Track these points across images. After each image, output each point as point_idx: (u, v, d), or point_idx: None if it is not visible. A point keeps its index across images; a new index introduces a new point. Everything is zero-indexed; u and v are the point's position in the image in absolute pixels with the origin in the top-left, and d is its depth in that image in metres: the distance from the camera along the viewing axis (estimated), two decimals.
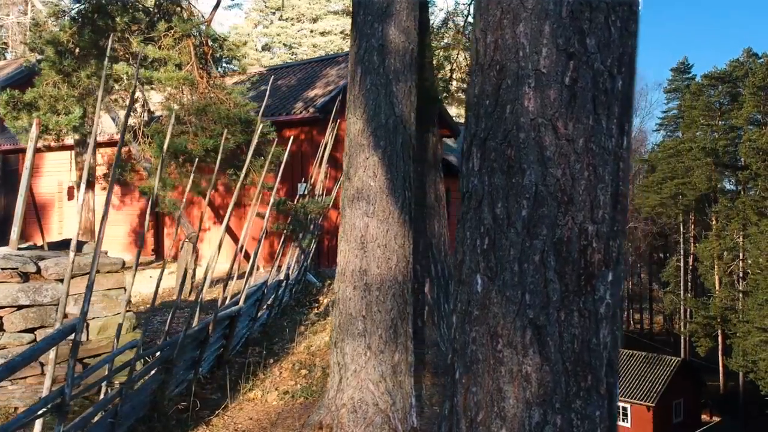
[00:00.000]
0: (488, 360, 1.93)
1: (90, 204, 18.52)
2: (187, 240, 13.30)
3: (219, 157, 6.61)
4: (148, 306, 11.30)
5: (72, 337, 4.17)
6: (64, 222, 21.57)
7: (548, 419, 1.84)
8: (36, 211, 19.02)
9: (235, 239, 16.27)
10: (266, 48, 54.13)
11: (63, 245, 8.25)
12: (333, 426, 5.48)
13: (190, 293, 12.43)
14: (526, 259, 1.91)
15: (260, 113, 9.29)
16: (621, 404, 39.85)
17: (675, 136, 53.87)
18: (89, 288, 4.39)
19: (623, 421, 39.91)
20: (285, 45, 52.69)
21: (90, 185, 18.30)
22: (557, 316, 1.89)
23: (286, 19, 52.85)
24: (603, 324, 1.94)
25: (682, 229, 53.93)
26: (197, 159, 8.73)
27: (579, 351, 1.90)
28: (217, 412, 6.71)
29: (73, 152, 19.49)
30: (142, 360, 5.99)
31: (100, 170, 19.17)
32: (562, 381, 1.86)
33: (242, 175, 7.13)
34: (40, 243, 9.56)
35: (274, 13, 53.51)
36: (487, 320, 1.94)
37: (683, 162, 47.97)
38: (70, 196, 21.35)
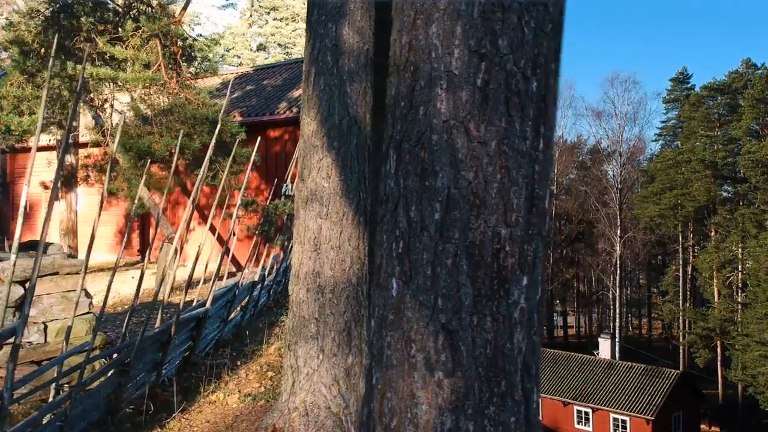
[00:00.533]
0: (402, 365, 1.91)
1: (72, 205, 18.44)
2: (166, 241, 13.21)
3: (175, 158, 6.52)
4: (126, 307, 11.16)
5: (12, 340, 4.04)
6: (50, 222, 21.44)
7: (461, 425, 1.83)
8: (12, 212, 18.89)
9: (222, 240, 16.19)
10: (261, 48, 54.19)
11: (31, 246, 8.14)
12: (285, 429, 5.38)
13: (169, 294, 12.33)
14: (439, 263, 1.90)
15: (221, 110, 9.18)
16: (620, 417, 39.58)
17: (674, 146, 53.79)
18: (30, 290, 4.26)
19: None
20: (280, 45, 52.78)
21: (73, 186, 18.21)
22: (470, 320, 1.87)
23: (281, 19, 52.95)
24: (517, 329, 1.91)
25: (681, 240, 53.74)
26: (161, 159, 8.63)
27: (492, 356, 1.88)
28: (174, 414, 6.61)
29: (56, 152, 19.45)
30: (101, 362, 5.84)
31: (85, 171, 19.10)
32: (475, 387, 1.85)
33: (202, 175, 7.02)
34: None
35: (268, 13, 53.61)
36: (402, 325, 1.92)
37: (682, 173, 47.85)
38: (57, 197, 21.31)
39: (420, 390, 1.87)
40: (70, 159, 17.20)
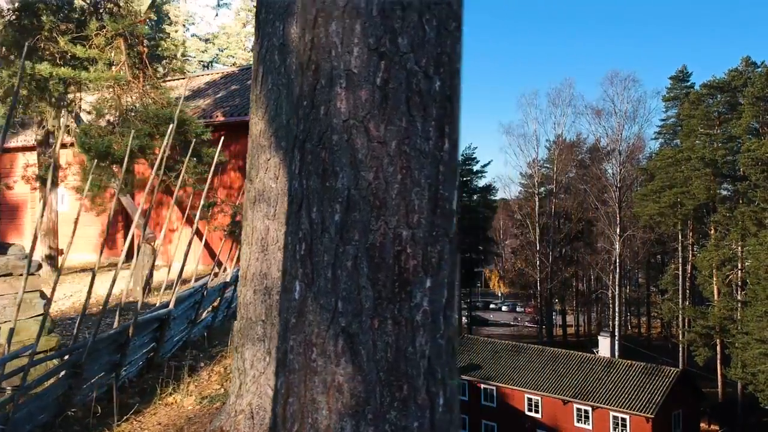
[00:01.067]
0: (304, 370, 1.89)
1: (52, 204, 18.25)
2: (144, 241, 13.08)
3: (126, 159, 6.34)
4: (101, 308, 10.97)
5: None
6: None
7: (361, 431, 1.80)
8: None
9: (207, 242, 16.00)
10: None
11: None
12: None
13: (147, 295, 12.17)
14: (339, 266, 1.87)
15: (178, 108, 9.00)
16: (620, 415, 39.37)
17: (673, 145, 53.54)
18: None
19: (622, 431, 39.41)
20: None
21: (54, 185, 18.05)
22: (370, 324, 1.85)
23: None
24: (420, 332, 1.88)
25: (680, 238, 53.52)
26: (120, 160, 8.46)
27: (393, 360, 1.84)
28: (126, 417, 6.46)
29: (36, 152, 19.26)
30: (55, 363, 5.67)
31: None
32: (376, 391, 1.82)
33: (153, 175, 6.85)
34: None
35: None
36: (303, 328, 1.91)
37: (682, 171, 47.62)
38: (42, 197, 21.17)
39: (320, 395, 1.84)
40: (50, 159, 17.04)
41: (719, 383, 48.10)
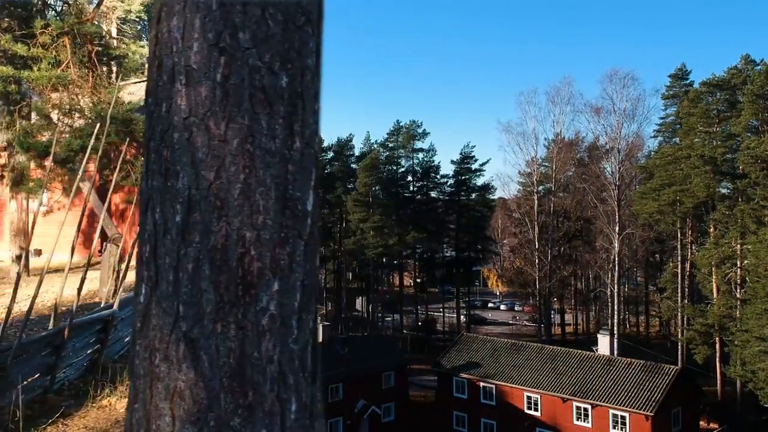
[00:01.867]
0: (149, 375, 1.83)
1: (23, 205, 18.03)
2: (110, 242, 12.94)
3: (51, 156, 6.22)
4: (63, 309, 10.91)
5: None
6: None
7: None
8: None
9: None
10: None
11: None
12: None
13: (113, 295, 12.07)
14: (180, 268, 1.81)
15: (110, 105, 8.85)
16: (619, 413, 39.44)
17: (672, 143, 53.59)
18: None
19: (621, 429, 39.49)
20: None
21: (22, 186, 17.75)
22: (212, 328, 1.78)
23: None
24: (266, 336, 1.82)
25: (679, 236, 53.62)
26: (60, 160, 8.34)
27: (237, 366, 1.78)
28: (52, 420, 6.23)
29: (5, 154, 18.90)
30: None
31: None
32: (220, 397, 1.76)
33: (79, 172, 6.77)
34: None
35: None
36: (148, 333, 1.85)
37: (681, 169, 47.68)
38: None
39: (163, 401, 1.79)
40: (20, 158, 16.76)
41: (718, 381, 48.21)
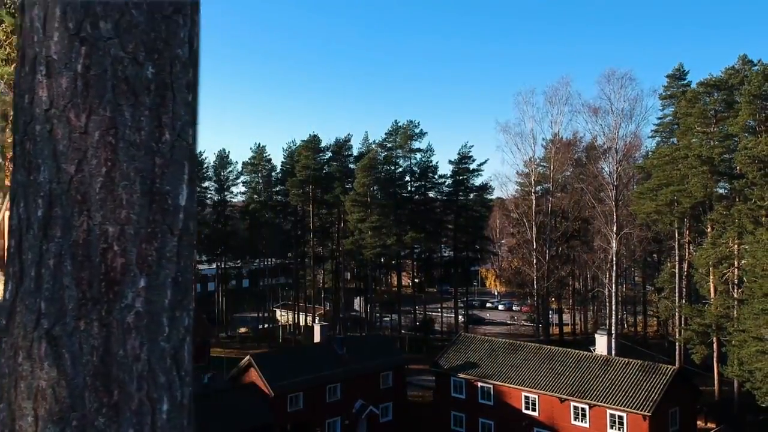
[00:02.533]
0: (13, 374, 1.80)
1: None
2: None
3: None
4: None
5: None
6: None
7: None
8: None
9: None
10: None
11: None
12: None
13: None
14: (43, 264, 1.76)
15: None
16: (617, 413, 39.49)
17: (670, 143, 53.60)
18: None
19: (619, 429, 39.53)
20: None
21: None
22: (75, 325, 1.74)
23: None
24: (132, 334, 1.77)
25: (677, 236, 53.67)
26: None
27: (101, 364, 1.74)
28: None
29: None
30: None
31: None
32: (84, 396, 1.73)
33: None
34: None
35: None
36: (12, 331, 1.81)
37: (679, 169, 47.71)
38: None
39: (26, 401, 1.75)
40: None
41: (716, 381, 48.27)
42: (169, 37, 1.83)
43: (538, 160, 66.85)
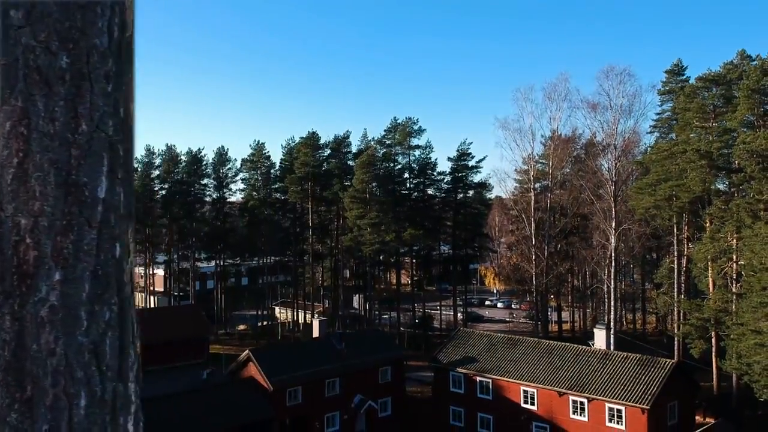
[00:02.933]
0: None
1: None
2: None
3: None
4: None
5: None
6: None
7: None
8: None
9: None
10: None
11: None
12: None
13: None
14: None
15: None
16: (615, 406, 39.50)
17: (669, 138, 53.63)
18: None
19: (618, 423, 39.53)
20: None
21: None
22: None
23: None
24: (47, 328, 1.74)
25: (675, 232, 53.71)
26: None
27: (13, 358, 1.72)
28: None
29: None
30: None
31: None
32: None
33: None
34: None
35: None
36: None
37: (677, 164, 47.76)
38: None
39: None
40: None
41: (714, 376, 48.32)
42: (85, 26, 1.78)
43: (537, 157, 66.94)
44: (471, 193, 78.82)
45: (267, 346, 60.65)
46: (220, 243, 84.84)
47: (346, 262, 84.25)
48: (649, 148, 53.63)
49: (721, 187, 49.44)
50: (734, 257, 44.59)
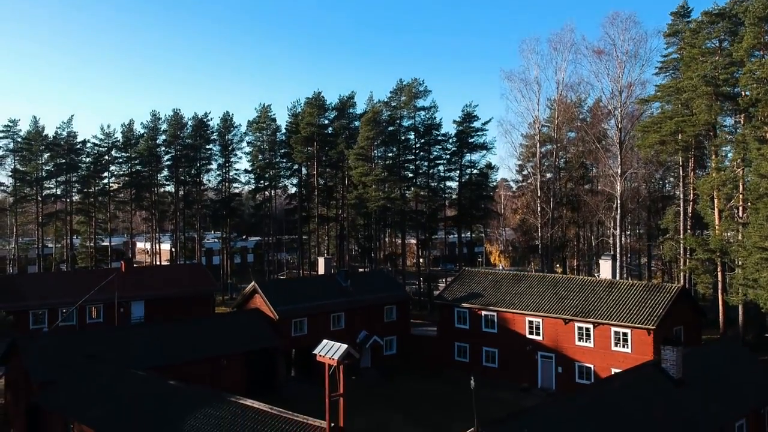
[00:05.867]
0: None
1: None
2: None
3: None
4: None
5: None
6: None
7: None
8: None
9: None
10: None
11: None
12: None
13: None
14: None
15: None
16: (621, 330, 39.40)
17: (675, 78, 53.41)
18: None
19: (623, 346, 39.41)
20: None
21: None
22: None
23: None
24: None
25: (681, 173, 53.58)
26: None
27: None
28: None
29: None
30: None
31: None
32: None
33: None
34: None
35: None
36: None
37: (682, 100, 47.68)
38: None
39: None
40: None
41: (720, 311, 48.13)
42: None
43: (542, 120, 66.54)
44: (476, 155, 78.15)
45: (272, 279, 60.15)
46: (226, 215, 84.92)
47: (351, 232, 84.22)
48: (656, 87, 53.35)
49: (727, 120, 49.37)
50: (740, 187, 44.44)
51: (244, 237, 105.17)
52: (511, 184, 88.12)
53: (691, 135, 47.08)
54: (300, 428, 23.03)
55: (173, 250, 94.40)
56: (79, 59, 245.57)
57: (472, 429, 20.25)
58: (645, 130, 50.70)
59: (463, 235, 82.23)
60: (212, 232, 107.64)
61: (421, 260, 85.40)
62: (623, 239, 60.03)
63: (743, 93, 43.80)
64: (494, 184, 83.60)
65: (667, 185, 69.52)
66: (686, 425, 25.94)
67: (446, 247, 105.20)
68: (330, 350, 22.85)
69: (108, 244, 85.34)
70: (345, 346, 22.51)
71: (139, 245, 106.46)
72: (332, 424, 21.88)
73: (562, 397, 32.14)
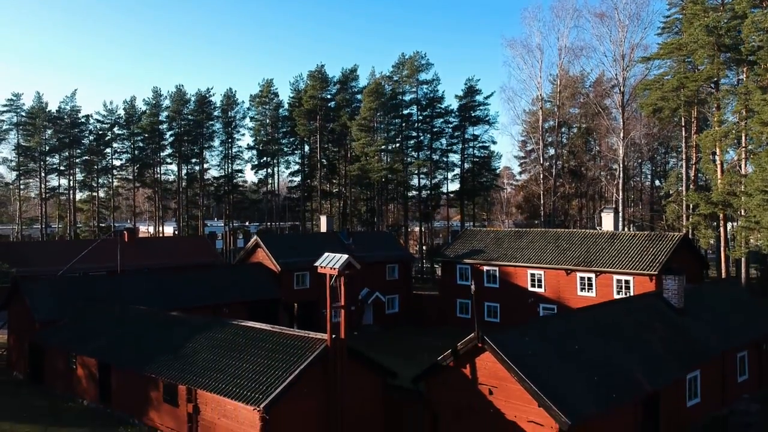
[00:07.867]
0: None
1: None
2: None
3: None
4: None
5: None
6: None
7: None
8: None
9: None
10: None
11: None
12: None
13: None
14: None
15: None
16: (623, 277, 39.34)
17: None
18: None
19: (626, 294, 39.34)
20: None
21: None
22: None
23: None
24: None
25: (683, 134, 53.49)
26: None
27: None
28: None
29: None
30: None
31: None
32: None
33: None
34: None
35: None
36: None
37: (684, 53, 47.57)
38: None
39: None
40: None
41: (723, 266, 48.03)
42: None
43: (548, 73, 66.51)
44: (478, 128, 78.04)
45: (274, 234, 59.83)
46: (229, 197, 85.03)
47: (354, 208, 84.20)
48: (657, 45, 53.24)
49: (729, 79, 49.21)
50: (743, 140, 44.35)
51: (246, 223, 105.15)
52: (514, 171, 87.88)
53: (692, 90, 46.94)
54: (301, 341, 23.07)
55: (176, 232, 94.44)
56: (81, 35, 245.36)
57: (473, 334, 20.33)
58: (647, 87, 50.59)
59: (466, 224, 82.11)
60: (215, 219, 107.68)
61: (424, 247, 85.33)
62: (626, 197, 59.83)
63: (746, 43, 43.62)
64: (498, 170, 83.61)
65: (669, 160, 69.32)
66: (687, 346, 25.93)
67: (450, 235, 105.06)
68: (331, 261, 22.86)
69: (111, 224, 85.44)
70: (345, 255, 22.51)
71: (142, 228, 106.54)
72: (333, 336, 21.87)
73: (564, 313, 32.36)
